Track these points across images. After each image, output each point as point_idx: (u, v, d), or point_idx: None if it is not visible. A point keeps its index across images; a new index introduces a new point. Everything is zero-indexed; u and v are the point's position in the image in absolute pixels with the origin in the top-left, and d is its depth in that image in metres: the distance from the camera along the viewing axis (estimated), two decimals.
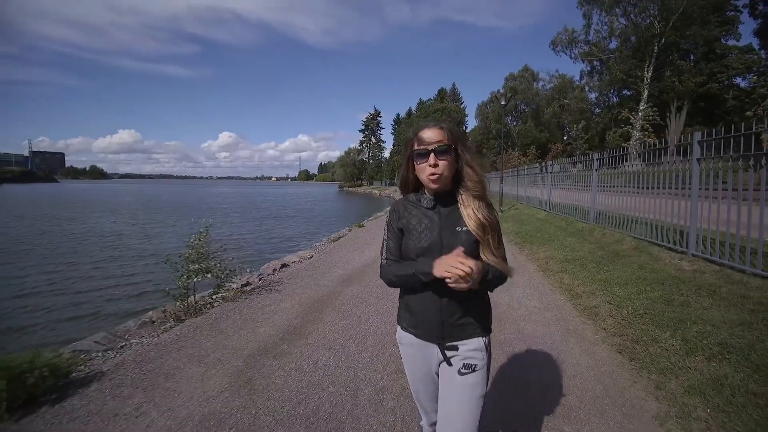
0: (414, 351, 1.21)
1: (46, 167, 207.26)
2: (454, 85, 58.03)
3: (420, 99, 61.22)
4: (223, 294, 4.48)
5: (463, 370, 1.13)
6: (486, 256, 1.10)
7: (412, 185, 1.22)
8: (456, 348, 1.14)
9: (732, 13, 31.42)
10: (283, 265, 6.89)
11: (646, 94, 30.60)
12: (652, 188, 5.10)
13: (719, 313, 2.85)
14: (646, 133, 27.78)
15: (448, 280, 0.97)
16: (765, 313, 2.68)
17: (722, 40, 31.29)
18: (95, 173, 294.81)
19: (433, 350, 1.17)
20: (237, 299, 4.30)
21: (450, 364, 1.15)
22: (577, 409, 2.08)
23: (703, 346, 2.46)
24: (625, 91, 35.45)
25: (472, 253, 1.07)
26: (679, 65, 30.36)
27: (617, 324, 3.09)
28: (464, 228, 1.10)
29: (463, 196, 1.13)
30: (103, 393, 2.34)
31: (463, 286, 0.96)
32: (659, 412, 2.03)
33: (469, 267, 0.94)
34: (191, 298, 4.15)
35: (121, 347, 3.29)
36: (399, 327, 1.26)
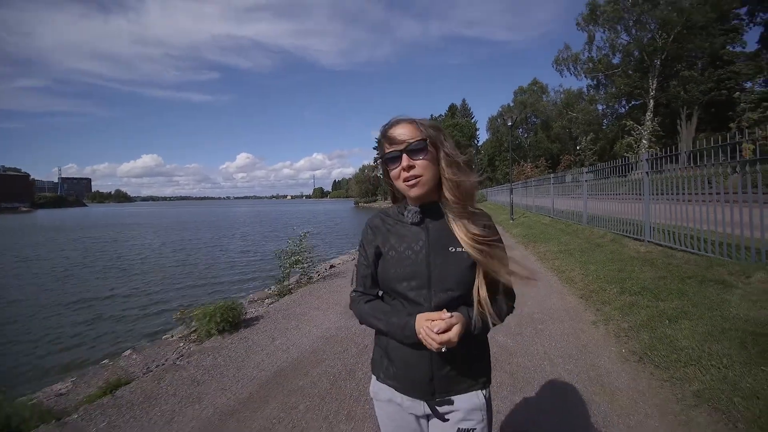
0: (394, 409, 0.98)
1: (74, 192, 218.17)
2: (464, 100, 60.18)
3: (431, 115, 63.03)
4: (305, 281, 6.16)
5: None
6: (482, 283, 0.89)
7: (400, 197, 1.01)
8: (450, 402, 0.94)
9: (736, 21, 32.40)
10: (331, 266, 8.64)
11: (652, 104, 31.75)
12: (628, 194, 6.60)
13: (649, 274, 4.36)
14: (652, 142, 28.78)
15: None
16: (675, 270, 4.19)
17: (729, 47, 32.04)
18: (120, 197, 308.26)
19: (419, 406, 0.95)
20: (313, 284, 5.97)
21: (443, 420, 0.95)
22: (545, 320, 3.64)
23: (631, 290, 3.98)
24: (633, 102, 36.65)
25: (473, 280, 0.90)
26: (683, 75, 31.45)
27: (584, 285, 4.62)
28: (459, 248, 0.89)
29: (449, 207, 0.91)
30: (271, 322, 4.04)
31: (435, 348, 0.81)
32: (594, 319, 3.57)
33: (447, 333, 0.80)
34: (285, 282, 5.84)
35: (245, 313, 4.98)
36: (374, 377, 1.02)
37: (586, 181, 8.38)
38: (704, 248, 4.37)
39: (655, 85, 31.81)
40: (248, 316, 4.27)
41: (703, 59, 32.47)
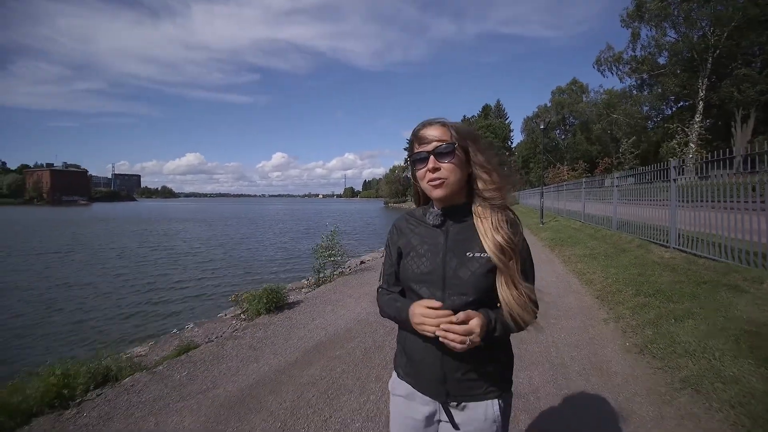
0: (409, 405, 0.98)
1: (126, 188, 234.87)
2: (498, 101, 59.00)
3: (464, 116, 62.25)
4: (338, 273, 6.73)
5: None
6: (504, 291, 0.86)
7: (423, 198, 1.03)
8: (464, 408, 0.93)
9: None
10: (362, 261, 9.20)
11: (701, 106, 29.90)
12: (657, 200, 6.63)
13: (667, 278, 4.51)
14: (700, 146, 27.18)
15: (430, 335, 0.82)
16: (693, 275, 4.33)
17: None
18: (165, 193, 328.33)
19: (434, 407, 0.96)
20: (346, 276, 6.52)
21: (455, 427, 0.93)
22: (559, 316, 3.94)
23: (646, 292, 4.18)
24: (682, 102, 34.53)
25: (489, 285, 0.88)
26: (738, 74, 29.35)
27: (602, 286, 4.83)
28: (477, 254, 0.88)
29: (479, 209, 0.91)
30: (310, 306, 4.62)
31: (458, 347, 0.79)
32: (605, 317, 3.84)
33: (465, 331, 0.78)
34: (321, 274, 6.44)
35: (286, 298, 5.59)
36: (395, 373, 1.04)
37: (616, 186, 8.38)
38: (725, 255, 4.47)
39: (705, 85, 29.92)
40: (290, 301, 4.87)
41: (761, 56, 30.13)
